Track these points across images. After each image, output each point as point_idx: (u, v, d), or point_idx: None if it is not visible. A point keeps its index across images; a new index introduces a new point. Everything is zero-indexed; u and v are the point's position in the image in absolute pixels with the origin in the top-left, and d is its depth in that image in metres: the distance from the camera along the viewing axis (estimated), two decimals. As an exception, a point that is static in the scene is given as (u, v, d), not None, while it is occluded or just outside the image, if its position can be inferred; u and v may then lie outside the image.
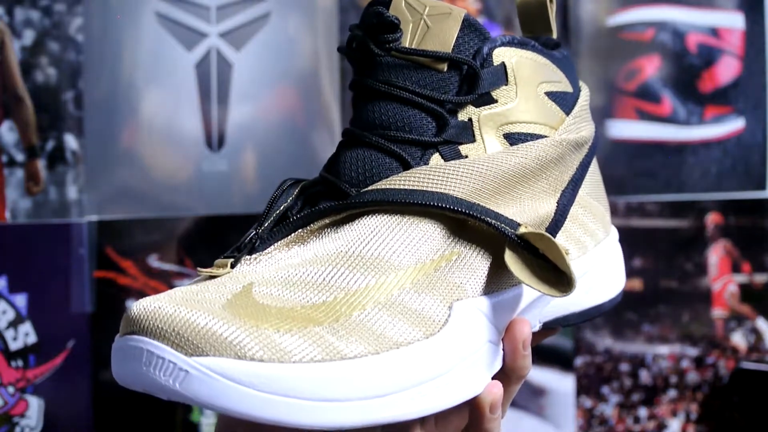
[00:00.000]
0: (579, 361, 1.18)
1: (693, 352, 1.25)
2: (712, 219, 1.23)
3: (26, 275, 0.92)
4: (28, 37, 0.93)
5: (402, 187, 0.42)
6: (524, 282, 0.41)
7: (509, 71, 0.45)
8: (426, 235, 0.42)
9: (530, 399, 1.15)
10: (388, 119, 0.45)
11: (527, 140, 0.45)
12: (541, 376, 1.15)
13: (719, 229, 1.24)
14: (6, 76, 0.92)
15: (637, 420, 1.23)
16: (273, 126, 1.04)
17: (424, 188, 0.42)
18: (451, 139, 0.44)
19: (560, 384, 1.17)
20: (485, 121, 0.44)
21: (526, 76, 0.45)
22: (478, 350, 0.41)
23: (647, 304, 1.20)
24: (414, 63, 0.44)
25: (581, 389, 1.19)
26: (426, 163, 0.44)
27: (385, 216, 0.42)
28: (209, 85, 1.01)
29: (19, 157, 0.93)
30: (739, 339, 1.27)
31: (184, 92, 1.00)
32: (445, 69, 0.44)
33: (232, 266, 0.41)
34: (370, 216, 0.42)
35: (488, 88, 0.44)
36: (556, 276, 0.40)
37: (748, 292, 1.28)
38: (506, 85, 0.45)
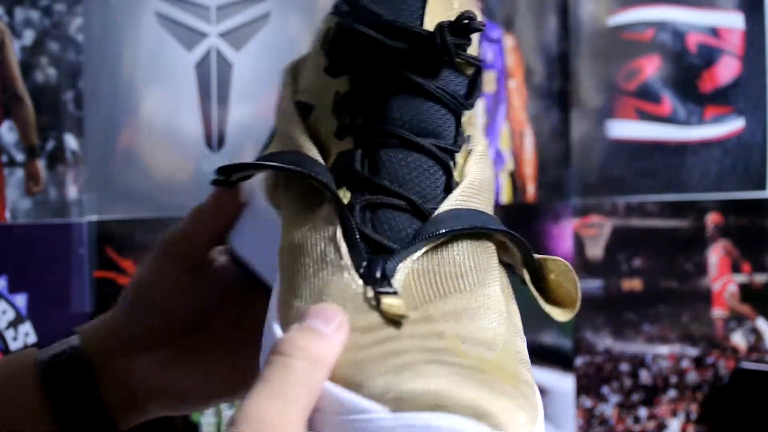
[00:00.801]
0: (579, 361, 1.18)
1: (693, 352, 1.25)
2: (712, 219, 1.24)
3: (26, 275, 0.92)
4: (28, 37, 0.93)
5: (471, 207, 0.39)
6: (542, 305, 0.40)
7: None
8: (495, 262, 0.39)
9: (530, 399, 1.15)
10: (434, 124, 0.40)
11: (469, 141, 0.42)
12: (541, 376, 1.15)
13: (719, 229, 1.24)
14: (6, 76, 0.92)
15: (637, 420, 1.23)
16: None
17: (476, 208, 0.39)
18: (459, 149, 0.41)
19: (560, 384, 1.17)
20: (466, 125, 0.42)
21: None
22: None
23: (647, 304, 1.20)
24: (458, 67, 0.41)
25: (581, 389, 1.19)
26: (449, 170, 0.40)
27: (468, 242, 0.38)
28: (209, 85, 1.01)
29: (19, 156, 0.93)
30: (739, 339, 1.27)
31: (184, 92, 1.00)
32: (471, 73, 0.41)
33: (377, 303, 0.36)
34: (458, 243, 0.38)
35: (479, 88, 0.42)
36: (557, 301, 0.40)
37: (748, 292, 1.28)
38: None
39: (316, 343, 0.33)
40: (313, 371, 0.32)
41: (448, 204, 0.39)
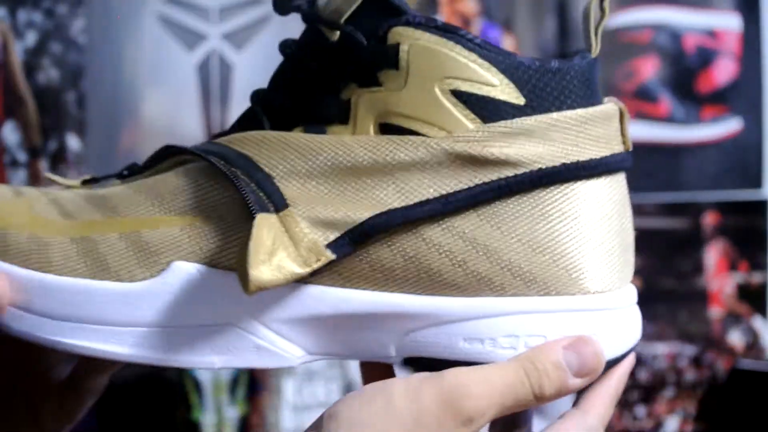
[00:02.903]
0: (577, 360, 1.19)
1: (690, 350, 1.25)
2: (709, 219, 1.24)
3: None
4: (31, 38, 0.93)
5: (219, 142, 0.42)
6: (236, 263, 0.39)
7: (401, 54, 0.39)
8: (200, 191, 0.41)
9: (529, 398, 1.15)
10: (273, 83, 0.44)
11: (396, 136, 0.39)
12: (539, 374, 1.16)
13: (716, 228, 1.25)
14: (8, 77, 0.93)
15: (634, 418, 1.23)
16: (273, 126, 1.04)
17: (236, 147, 0.41)
18: (319, 116, 0.41)
19: (559, 383, 1.18)
20: (364, 104, 0.40)
21: (424, 66, 0.39)
22: (183, 326, 0.40)
23: (644, 303, 1.20)
24: (313, 30, 0.42)
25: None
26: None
27: (184, 168, 0.43)
28: (210, 86, 1.01)
29: (22, 157, 0.94)
30: (736, 338, 1.28)
31: (186, 93, 1.00)
32: (335, 39, 0.41)
33: (84, 183, 0.46)
34: (184, 167, 0.43)
35: (369, 67, 0.40)
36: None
37: (745, 291, 1.28)
38: (396, 70, 0.39)
39: None
40: None
41: (217, 140, 0.43)
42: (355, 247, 0.39)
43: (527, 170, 0.39)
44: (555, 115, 0.40)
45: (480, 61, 0.40)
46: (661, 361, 1.24)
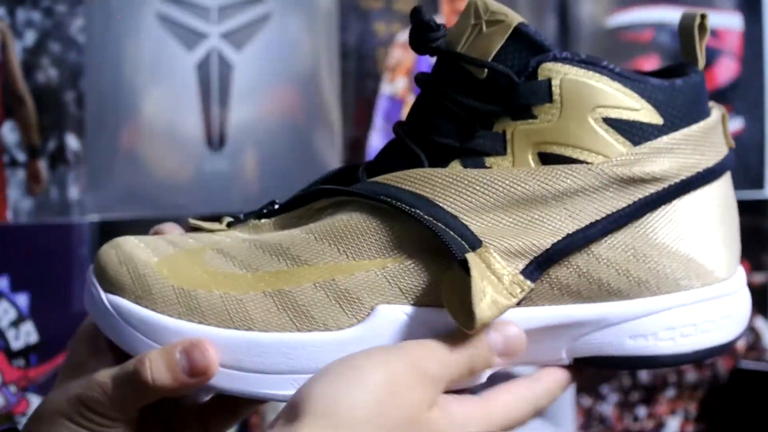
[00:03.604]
0: (578, 360, 1.19)
1: (692, 351, 1.25)
2: (710, 219, 1.24)
3: (28, 275, 0.92)
4: (30, 37, 0.93)
5: (386, 181, 0.43)
6: (444, 301, 0.41)
7: (554, 88, 0.43)
8: (382, 232, 0.43)
9: (529, 398, 1.15)
10: (419, 116, 0.46)
11: (564, 163, 0.43)
12: (540, 375, 1.16)
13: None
14: (7, 76, 0.92)
15: (636, 419, 1.23)
16: (273, 126, 1.04)
17: (406, 187, 0.43)
18: (477, 149, 0.44)
19: (559, 383, 1.17)
20: (520, 136, 0.43)
21: (576, 97, 0.43)
22: None
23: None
24: (456, 67, 0.44)
25: (581, 388, 1.19)
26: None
27: (359, 212, 0.43)
28: (210, 85, 1.01)
29: (21, 157, 0.94)
30: (737, 338, 1.27)
31: (185, 92, 1.00)
32: (483, 76, 0.44)
33: (228, 226, 0.47)
34: (350, 209, 0.44)
35: (525, 102, 0.43)
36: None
37: (746, 292, 1.28)
38: (549, 102, 0.43)
39: None
40: None
41: (376, 179, 0.44)
42: (542, 272, 0.43)
43: (672, 183, 0.44)
44: (685, 131, 0.45)
45: (623, 88, 0.44)
46: (662, 362, 1.24)
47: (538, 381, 0.45)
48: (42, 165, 0.94)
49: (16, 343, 0.91)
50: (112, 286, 0.43)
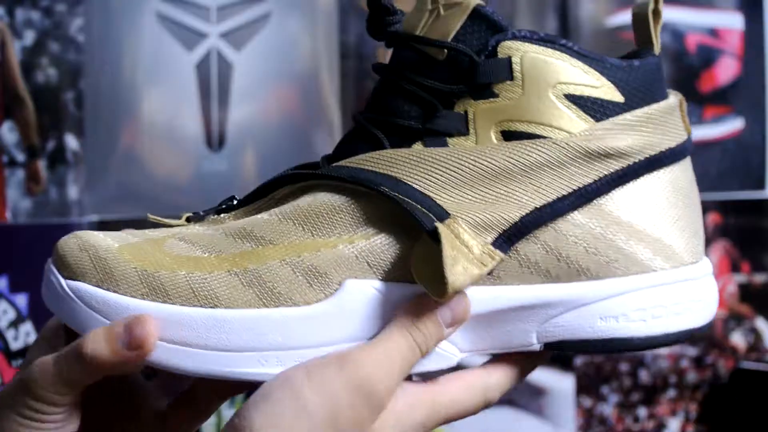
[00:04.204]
0: (578, 360, 1.18)
1: (692, 351, 1.25)
2: (711, 219, 1.24)
3: (27, 275, 0.92)
4: (29, 37, 0.93)
5: (349, 165, 0.44)
6: (413, 273, 0.41)
7: (515, 66, 0.43)
8: (348, 211, 0.43)
9: (530, 399, 1.15)
10: (379, 102, 0.46)
11: (527, 140, 0.43)
12: (540, 375, 1.15)
13: (718, 228, 1.24)
14: (7, 76, 0.92)
15: (636, 419, 1.23)
16: (273, 126, 1.04)
17: (369, 168, 0.43)
18: (440, 130, 0.44)
19: (560, 384, 1.17)
20: (483, 115, 0.44)
21: (537, 74, 0.43)
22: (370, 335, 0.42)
23: (647, 304, 1.20)
24: (415, 50, 0.45)
25: (581, 389, 1.19)
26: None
27: (324, 193, 0.44)
28: (209, 85, 1.01)
29: (20, 157, 0.93)
30: (738, 339, 1.27)
31: (185, 92, 1.00)
32: (443, 57, 0.44)
33: (188, 221, 0.46)
34: (315, 191, 0.44)
35: (486, 80, 0.43)
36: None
37: (747, 292, 1.28)
38: (511, 80, 0.44)
39: None
40: None
41: (339, 163, 0.44)
42: (510, 246, 0.42)
43: (636, 159, 0.44)
44: (646, 109, 0.45)
45: (583, 66, 0.44)
46: (663, 362, 1.23)
47: (490, 373, 0.44)
48: (41, 165, 0.94)
49: (16, 344, 0.91)
50: (72, 272, 0.42)
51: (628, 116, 0.44)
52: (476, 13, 0.44)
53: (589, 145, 0.43)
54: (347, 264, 0.42)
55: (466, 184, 0.43)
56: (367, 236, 0.42)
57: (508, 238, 0.42)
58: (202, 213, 0.46)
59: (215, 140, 1.01)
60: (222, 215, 0.46)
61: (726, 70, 1.23)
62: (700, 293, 0.46)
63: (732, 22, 1.23)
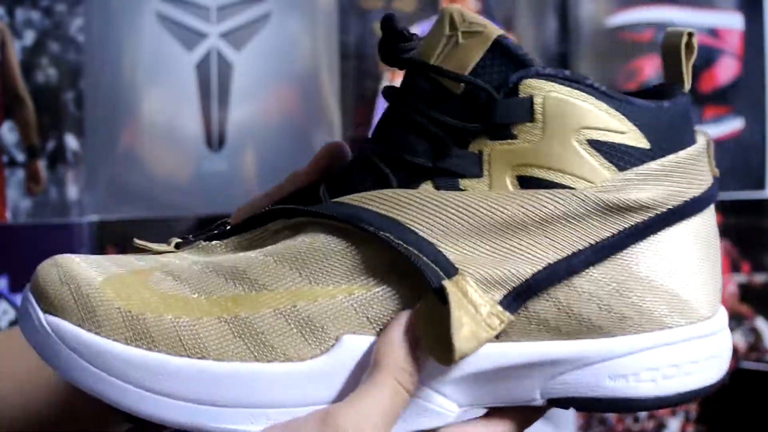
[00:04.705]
0: (578, 360, 1.19)
1: (692, 351, 1.25)
2: (711, 219, 1.24)
3: (27, 275, 0.92)
4: (29, 37, 0.93)
5: (351, 201, 0.40)
6: (417, 333, 0.39)
7: (536, 107, 0.40)
8: (348, 256, 0.40)
9: (530, 398, 1.15)
10: (387, 133, 0.42)
11: (545, 188, 0.40)
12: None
13: (718, 228, 1.24)
14: (7, 76, 0.92)
15: (636, 419, 1.23)
16: (273, 126, 1.04)
17: (373, 208, 0.40)
18: (452, 169, 0.41)
19: (560, 383, 1.17)
20: (498, 157, 0.40)
21: (560, 117, 0.40)
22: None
23: (647, 304, 1.20)
24: (430, 80, 0.41)
25: (581, 389, 1.19)
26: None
27: (323, 234, 0.41)
28: (209, 85, 1.01)
29: (20, 157, 0.93)
30: (738, 339, 1.27)
31: (185, 92, 1.00)
32: (460, 92, 0.41)
33: (177, 247, 0.43)
34: (312, 230, 0.41)
35: (505, 120, 0.40)
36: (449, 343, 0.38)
37: (747, 292, 1.28)
38: (531, 122, 0.40)
39: None
40: None
41: (340, 199, 0.41)
42: (519, 304, 0.40)
43: (659, 212, 0.41)
44: (672, 157, 0.42)
45: (609, 109, 0.41)
46: (663, 362, 1.24)
47: (490, 428, 0.42)
48: (41, 165, 0.94)
49: (16, 344, 0.91)
50: (52, 306, 0.39)
51: (653, 165, 0.41)
52: (497, 45, 0.40)
53: (611, 197, 0.40)
54: (345, 317, 0.39)
55: (476, 234, 0.40)
56: (368, 287, 0.40)
57: (518, 295, 0.40)
58: (191, 238, 0.44)
59: (215, 140, 1.01)
60: (213, 242, 0.43)
61: (726, 70, 1.23)
62: (716, 349, 0.44)
63: (732, 22, 1.23)
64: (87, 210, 0.96)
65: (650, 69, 1.20)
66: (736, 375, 1.24)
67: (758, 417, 1.20)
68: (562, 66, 1.17)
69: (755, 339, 1.28)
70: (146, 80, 0.99)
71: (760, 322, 1.28)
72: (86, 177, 0.96)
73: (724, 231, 1.24)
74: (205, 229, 0.44)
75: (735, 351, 1.25)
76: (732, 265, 1.26)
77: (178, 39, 1.00)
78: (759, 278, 1.27)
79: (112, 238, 0.95)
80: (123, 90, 0.98)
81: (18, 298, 0.92)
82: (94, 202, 0.96)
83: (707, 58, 1.22)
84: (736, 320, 1.27)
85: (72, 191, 0.95)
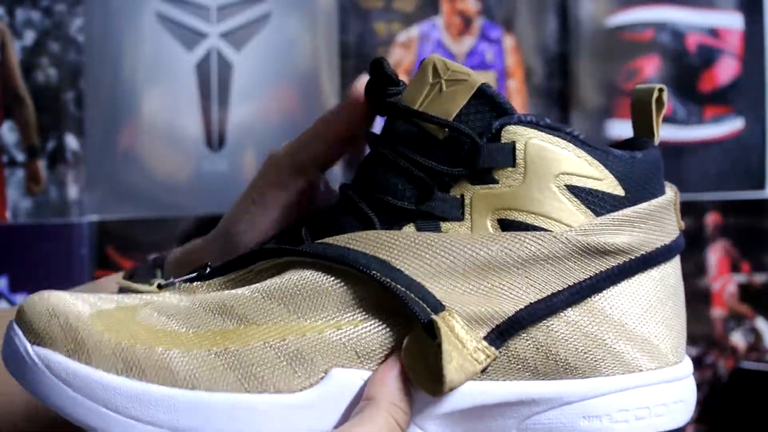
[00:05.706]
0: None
1: (692, 351, 1.25)
2: (711, 219, 1.24)
3: (27, 275, 0.92)
4: (29, 37, 0.93)
5: (335, 243, 0.41)
6: (405, 367, 0.40)
7: (518, 152, 0.42)
8: (336, 293, 0.41)
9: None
10: (370, 176, 0.44)
11: (524, 231, 0.42)
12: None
13: (719, 228, 1.24)
14: (7, 76, 0.92)
15: (636, 419, 1.23)
16: (273, 126, 1.04)
17: (358, 249, 0.41)
18: (434, 213, 0.42)
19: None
20: (480, 200, 0.42)
21: (540, 162, 0.42)
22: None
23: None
24: (415, 126, 0.43)
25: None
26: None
27: (309, 272, 0.41)
28: (209, 85, 1.01)
29: (20, 157, 0.93)
30: (738, 338, 1.27)
31: (185, 92, 1.00)
32: (443, 137, 0.42)
33: (159, 287, 0.43)
34: (299, 269, 0.42)
35: (487, 165, 0.42)
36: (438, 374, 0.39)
37: (747, 292, 1.28)
38: (512, 167, 0.42)
39: None
40: None
41: (325, 240, 0.42)
42: (502, 342, 0.41)
43: (633, 257, 0.43)
44: (645, 205, 0.44)
45: (587, 156, 0.42)
46: (663, 362, 1.24)
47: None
48: (41, 165, 0.94)
49: (16, 344, 0.91)
50: (40, 337, 0.39)
51: (628, 212, 0.43)
52: (481, 93, 0.42)
53: (589, 240, 0.42)
54: (334, 351, 0.40)
55: (459, 273, 0.41)
56: (355, 322, 0.40)
57: (501, 333, 0.41)
58: (174, 280, 0.44)
59: (215, 140, 1.01)
60: (195, 284, 0.43)
61: (726, 70, 1.23)
62: (683, 393, 0.45)
63: (732, 22, 1.23)
64: (87, 210, 0.96)
65: (650, 69, 1.20)
66: (736, 375, 1.24)
67: (758, 417, 1.20)
68: (562, 66, 1.17)
69: (755, 339, 1.28)
70: (146, 80, 0.99)
71: (760, 322, 1.28)
72: (86, 177, 0.96)
73: (724, 231, 1.24)
74: (186, 273, 0.44)
75: (735, 351, 1.25)
76: (732, 265, 1.26)
77: (178, 39, 1.00)
78: (759, 278, 1.27)
79: (112, 238, 0.95)
80: (123, 90, 0.98)
81: (18, 299, 0.92)
82: (94, 202, 0.96)
83: (707, 58, 1.22)
84: (736, 320, 1.27)
85: (72, 191, 0.95)
